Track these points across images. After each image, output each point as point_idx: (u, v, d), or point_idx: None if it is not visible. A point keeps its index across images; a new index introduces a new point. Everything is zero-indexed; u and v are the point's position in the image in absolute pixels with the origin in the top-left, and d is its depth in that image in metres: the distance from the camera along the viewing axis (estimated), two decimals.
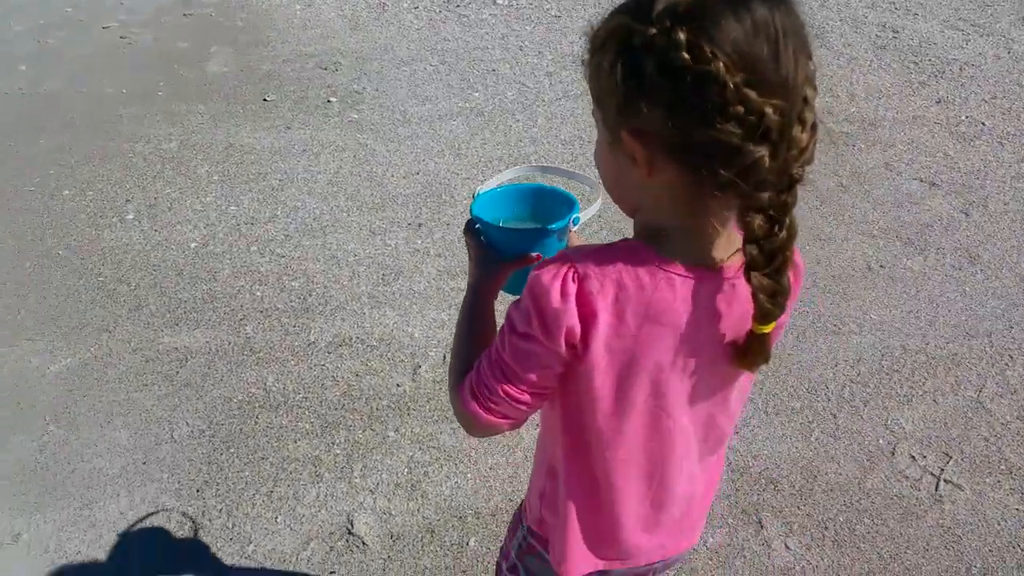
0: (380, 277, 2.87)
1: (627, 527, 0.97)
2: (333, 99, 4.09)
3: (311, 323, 2.67)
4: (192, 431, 2.27)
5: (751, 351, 0.81)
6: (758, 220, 0.70)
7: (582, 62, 0.76)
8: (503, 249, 0.98)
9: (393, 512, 2.04)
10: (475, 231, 1.01)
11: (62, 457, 2.19)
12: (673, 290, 0.77)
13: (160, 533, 1.99)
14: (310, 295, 2.79)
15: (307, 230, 3.13)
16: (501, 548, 1.17)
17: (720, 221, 0.76)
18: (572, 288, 0.76)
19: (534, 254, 0.96)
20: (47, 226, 3.14)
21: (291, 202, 3.30)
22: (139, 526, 2.01)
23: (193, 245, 3.04)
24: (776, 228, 0.71)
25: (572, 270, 0.77)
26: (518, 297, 0.83)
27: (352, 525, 2.00)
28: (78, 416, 2.31)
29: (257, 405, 2.36)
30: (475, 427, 0.89)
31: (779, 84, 0.66)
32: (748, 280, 0.74)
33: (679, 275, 0.77)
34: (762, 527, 1.99)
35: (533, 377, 0.83)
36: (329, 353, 2.54)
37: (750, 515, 2.03)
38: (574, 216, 0.97)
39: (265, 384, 2.43)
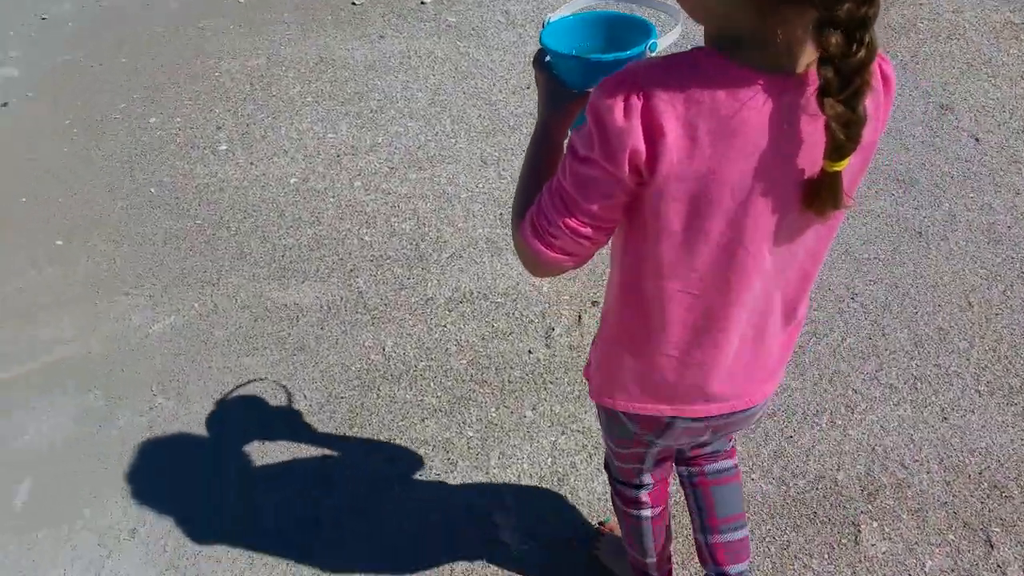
0: (497, 217, 2.54)
1: (678, 369, 0.94)
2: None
3: (427, 274, 2.38)
4: (311, 406, 2.05)
5: (822, 192, 0.73)
6: (835, 37, 0.63)
7: None
8: (576, 81, 0.90)
9: (540, 513, 1.79)
10: (544, 63, 0.93)
11: (173, 433, 2.01)
12: (752, 101, 0.70)
13: (287, 527, 1.80)
14: (422, 240, 2.49)
15: (412, 161, 2.80)
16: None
17: (800, 28, 0.67)
18: (636, 104, 0.70)
19: None
20: (136, 160, 2.90)
21: (392, 127, 2.96)
22: (262, 524, 1.82)
23: (293, 181, 2.76)
24: (854, 46, 0.63)
25: (636, 84, 0.71)
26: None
27: (498, 531, 1.76)
28: (187, 385, 2.12)
29: (377, 375, 2.11)
30: (539, 265, 0.85)
31: None
32: (821, 108, 0.67)
33: (759, 83, 0.70)
34: (992, 547, 1.66)
35: (595, 207, 0.77)
36: (449, 311, 2.26)
37: (975, 530, 1.69)
38: (651, 42, 0.89)
39: (384, 349, 2.18)
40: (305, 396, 2.07)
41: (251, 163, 2.84)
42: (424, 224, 2.55)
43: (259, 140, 2.94)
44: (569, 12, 0.97)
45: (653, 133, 0.70)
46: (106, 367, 2.18)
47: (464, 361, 2.13)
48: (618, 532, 1.50)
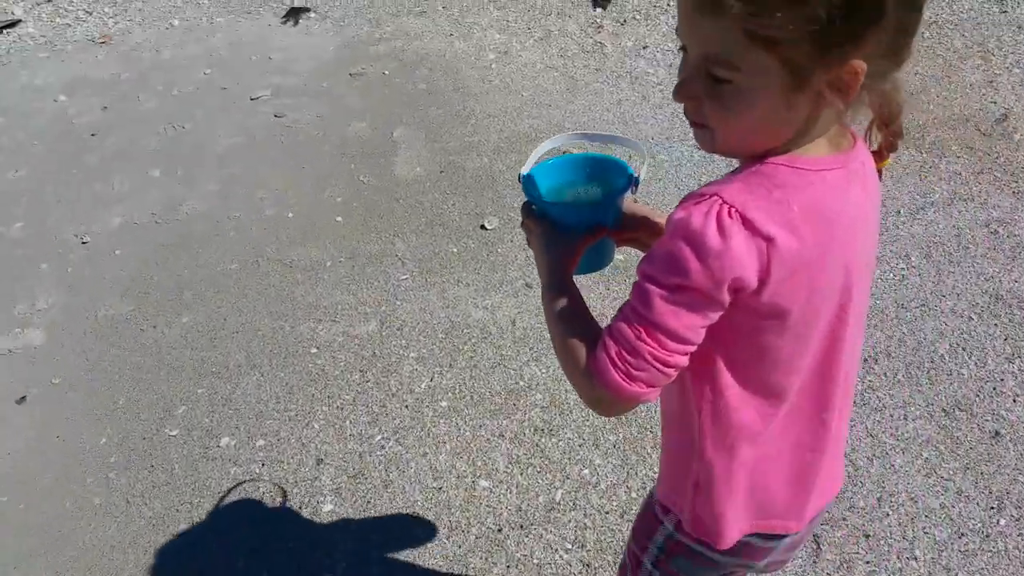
0: None
1: (797, 479, 0.90)
2: None
3: None
4: None
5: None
6: (899, 96, 0.77)
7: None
8: (572, 222, 0.92)
9: None
10: (534, 213, 0.95)
11: None
12: (828, 183, 0.75)
13: None
14: None
15: None
16: (627, 557, 1.07)
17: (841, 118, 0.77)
18: (730, 224, 0.70)
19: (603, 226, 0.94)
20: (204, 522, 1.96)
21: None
22: None
23: None
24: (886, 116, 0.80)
25: (721, 203, 0.71)
26: (642, 257, 0.78)
27: None
28: None
29: None
30: (617, 402, 0.80)
31: None
32: (879, 158, 0.82)
33: (828, 168, 0.75)
34: None
35: (686, 332, 0.75)
36: None
37: None
38: (635, 177, 0.93)
39: None
40: None
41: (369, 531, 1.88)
42: None
43: (378, 490, 1.97)
44: (536, 159, 0.97)
45: (760, 245, 0.70)
46: None
47: None
48: None
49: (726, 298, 0.73)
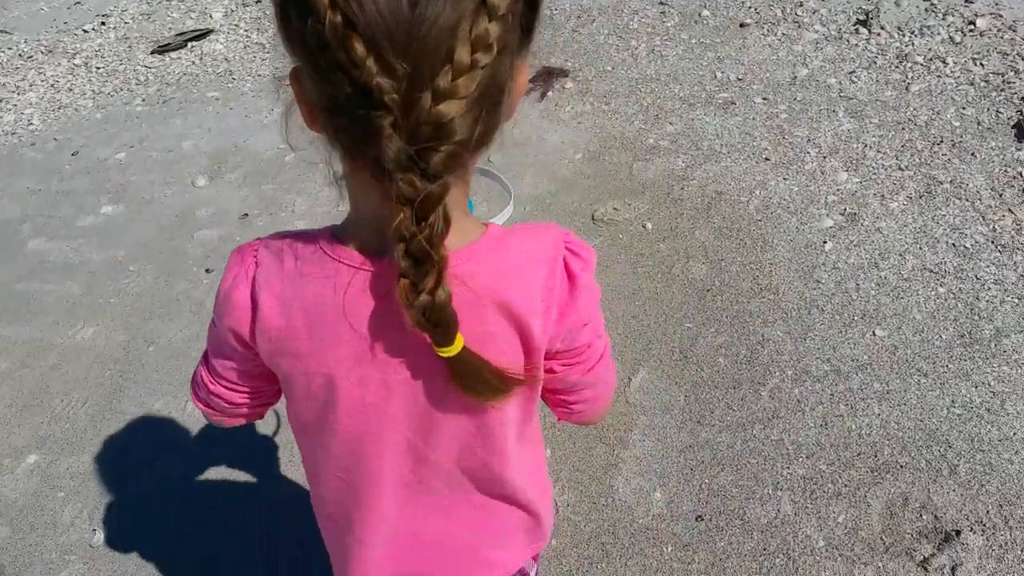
0: None
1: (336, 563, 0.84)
2: None
3: None
4: None
5: (464, 377, 0.63)
6: (404, 210, 0.54)
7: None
8: None
9: None
10: None
11: None
12: (338, 281, 0.63)
13: None
14: None
15: None
16: None
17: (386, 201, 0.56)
18: (245, 272, 0.67)
19: None
20: None
21: None
22: None
23: None
24: (422, 223, 0.55)
25: (254, 251, 0.68)
26: None
27: None
28: None
29: None
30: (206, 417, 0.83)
31: (396, 33, 0.49)
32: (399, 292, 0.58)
33: (347, 264, 0.63)
34: None
35: (219, 366, 0.74)
36: None
37: None
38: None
39: None
40: None
41: None
42: None
43: None
44: None
45: (254, 305, 0.66)
46: None
47: None
48: None
49: (235, 343, 0.71)
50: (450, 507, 0.78)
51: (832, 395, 1.83)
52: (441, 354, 0.60)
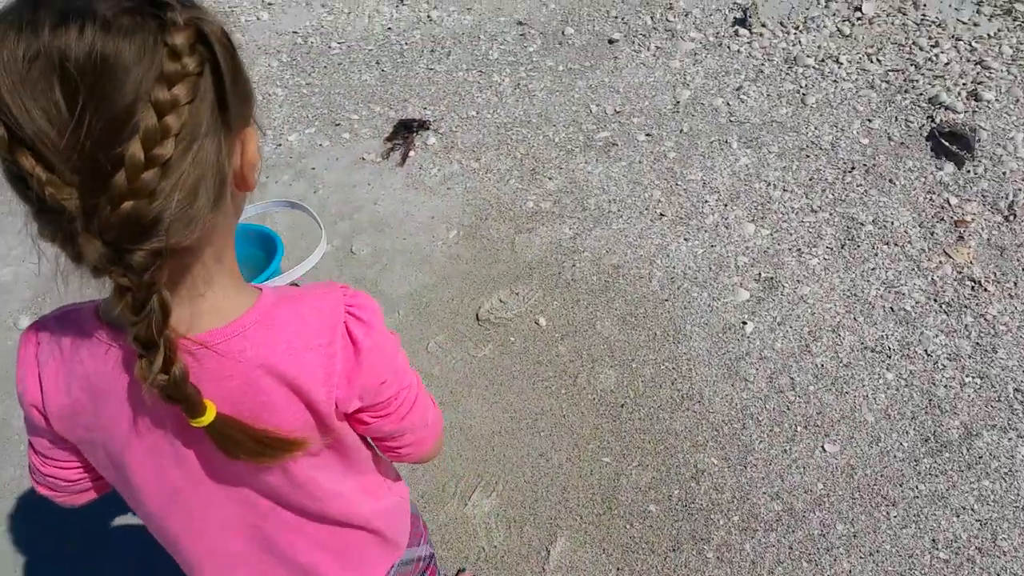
0: None
1: None
2: None
3: None
4: None
5: (223, 443, 0.63)
6: (125, 299, 0.54)
7: None
8: None
9: None
10: None
11: None
12: (104, 357, 0.63)
13: None
14: None
15: None
16: None
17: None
18: (32, 352, 0.66)
19: None
20: None
21: None
22: None
23: None
24: (140, 312, 0.55)
25: (36, 330, 0.66)
26: None
27: None
28: None
29: None
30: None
31: (59, 142, 0.49)
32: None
33: (104, 341, 0.63)
34: None
35: (38, 446, 0.72)
36: None
37: None
38: (271, 271, 0.94)
39: None
40: None
41: None
42: None
43: None
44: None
45: (38, 381, 0.66)
46: None
47: None
48: None
49: (36, 417, 0.69)
50: (293, 540, 0.78)
51: (791, 547, 1.49)
52: (194, 424, 0.60)
